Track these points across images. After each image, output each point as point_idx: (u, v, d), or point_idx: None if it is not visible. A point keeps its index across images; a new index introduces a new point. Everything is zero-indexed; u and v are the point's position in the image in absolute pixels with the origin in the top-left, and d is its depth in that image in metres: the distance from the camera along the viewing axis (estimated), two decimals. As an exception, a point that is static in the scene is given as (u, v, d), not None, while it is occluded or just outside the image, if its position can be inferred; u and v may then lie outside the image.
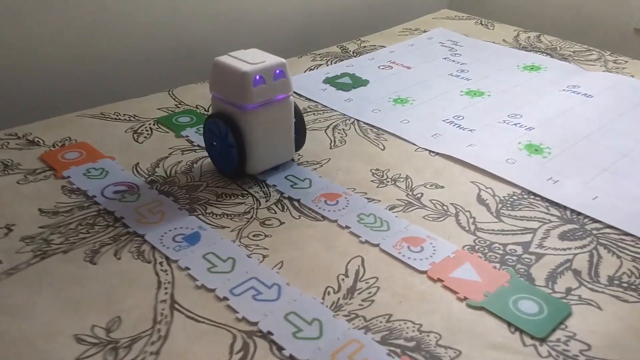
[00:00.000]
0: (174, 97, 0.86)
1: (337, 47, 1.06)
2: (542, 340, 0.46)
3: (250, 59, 0.62)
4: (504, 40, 1.09)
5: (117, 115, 0.80)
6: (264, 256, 0.55)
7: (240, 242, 0.56)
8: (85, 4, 0.89)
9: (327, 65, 0.97)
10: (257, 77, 0.61)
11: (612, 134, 0.75)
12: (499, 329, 0.47)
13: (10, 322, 0.47)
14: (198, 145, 0.73)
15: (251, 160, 0.64)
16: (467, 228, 0.59)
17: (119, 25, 0.93)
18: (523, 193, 0.64)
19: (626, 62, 0.99)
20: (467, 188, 0.65)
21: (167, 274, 0.52)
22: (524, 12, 1.31)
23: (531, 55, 1.01)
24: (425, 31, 1.13)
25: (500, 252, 0.55)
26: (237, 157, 0.63)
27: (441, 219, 0.60)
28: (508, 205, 0.62)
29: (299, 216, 0.60)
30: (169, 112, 0.82)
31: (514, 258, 0.55)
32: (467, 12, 1.24)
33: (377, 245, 0.56)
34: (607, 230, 0.58)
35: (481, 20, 1.18)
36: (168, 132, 0.76)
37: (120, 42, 0.94)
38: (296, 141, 0.68)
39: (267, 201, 0.63)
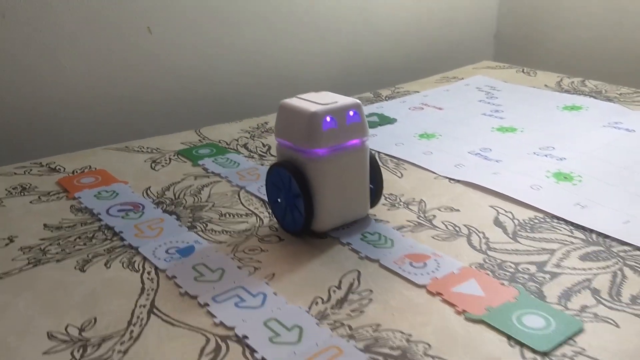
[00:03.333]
0: (199, 134, 0.87)
1: (370, 93, 1.05)
2: (545, 354, 0.40)
3: (321, 100, 0.55)
4: (545, 85, 1.05)
5: (140, 148, 0.82)
6: (256, 268, 0.52)
7: (234, 255, 0.54)
8: (118, 48, 0.93)
9: (357, 108, 0.97)
10: (328, 118, 0.53)
11: (653, 164, 0.69)
12: (497, 342, 0.42)
13: (-11, 320, 0.46)
14: (212, 172, 0.73)
15: (319, 216, 0.55)
16: (478, 248, 0.54)
17: (149, 67, 0.97)
18: (546, 217, 0.59)
19: (676, 102, 0.93)
20: (485, 212, 0.61)
21: (152, 282, 0.50)
22: (571, 60, 1.27)
23: (573, 97, 0.97)
24: (462, 79, 1.11)
25: (512, 270, 0.50)
26: (304, 211, 0.54)
27: (451, 239, 0.56)
28: (527, 227, 0.57)
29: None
30: (191, 145, 0.82)
31: (526, 276, 0.49)
32: (511, 62, 1.21)
33: (377, 260, 0.52)
34: (637, 252, 0.52)
35: (523, 69, 1.16)
36: (186, 162, 0.77)
37: (152, 84, 0.98)
38: (371, 194, 0.59)
39: (270, 220, 0.60)
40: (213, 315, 0.45)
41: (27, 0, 0.83)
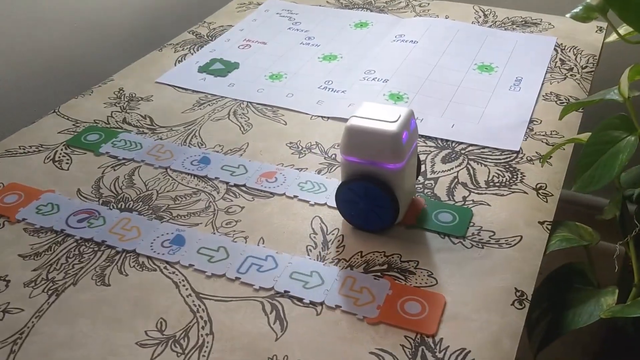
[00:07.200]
0: (64, 116, 0.89)
1: (189, 32, 1.14)
2: (464, 237, 0.66)
3: (384, 117, 0.61)
4: (327, 1, 1.25)
5: (23, 149, 0.83)
6: (246, 238, 0.67)
7: (218, 232, 0.68)
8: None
9: (192, 54, 1.06)
10: (404, 133, 0.60)
11: (443, 70, 0.97)
12: (434, 238, 0.66)
13: (71, 354, 0.55)
14: (123, 159, 0.80)
15: (402, 209, 0.65)
16: (379, 172, 0.76)
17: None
18: (404, 134, 0.84)
19: (428, 3, 1.22)
20: (364, 141, 0.82)
21: (176, 275, 0.63)
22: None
23: (356, 13, 1.19)
24: (259, 4, 1.25)
25: (410, 184, 0.74)
26: (392, 210, 0.63)
27: (357, 170, 0.77)
28: (398, 147, 0.81)
29: (252, 198, 0.73)
30: (72, 132, 0.86)
31: (421, 186, 0.74)
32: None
33: (325, 204, 0.71)
34: (470, 147, 0.80)
35: (300, -16, 1.33)
36: (85, 153, 0.82)
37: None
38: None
39: (218, 193, 0.74)
40: (250, 285, 0.61)
41: None
